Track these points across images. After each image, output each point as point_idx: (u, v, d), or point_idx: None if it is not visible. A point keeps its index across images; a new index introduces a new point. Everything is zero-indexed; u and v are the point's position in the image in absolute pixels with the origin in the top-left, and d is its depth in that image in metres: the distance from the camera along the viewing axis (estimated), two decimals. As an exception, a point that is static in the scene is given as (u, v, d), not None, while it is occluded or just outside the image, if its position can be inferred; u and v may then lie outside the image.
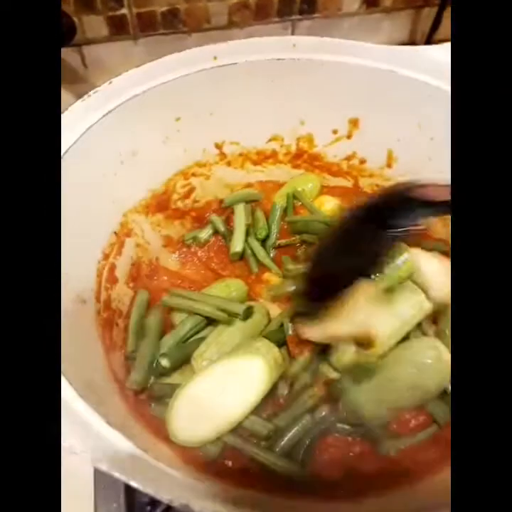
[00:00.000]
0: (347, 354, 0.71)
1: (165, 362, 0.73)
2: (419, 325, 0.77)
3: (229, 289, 0.84)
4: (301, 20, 1.47)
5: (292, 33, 1.49)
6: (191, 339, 0.77)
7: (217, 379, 0.67)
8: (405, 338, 0.75)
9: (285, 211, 0.98)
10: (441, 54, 0.88)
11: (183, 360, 0.75)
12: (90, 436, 0.51)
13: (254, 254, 0.92)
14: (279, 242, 0.95)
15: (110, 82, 0.79)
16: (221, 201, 0.99)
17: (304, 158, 1.01)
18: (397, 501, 0.62)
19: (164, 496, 0.46)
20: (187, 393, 0.66)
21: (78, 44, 1.28)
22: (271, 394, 0.71)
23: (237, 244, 0.91)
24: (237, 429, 0.69)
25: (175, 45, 1.39)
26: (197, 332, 0.78)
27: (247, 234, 0.94)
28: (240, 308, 0.76)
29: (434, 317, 0.80)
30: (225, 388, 0.66)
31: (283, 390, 0.73)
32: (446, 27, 1.51)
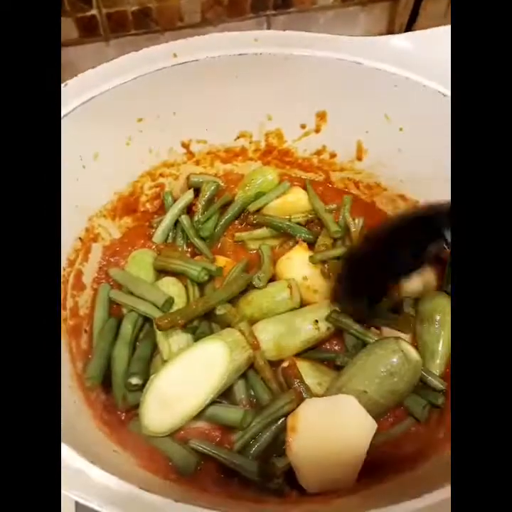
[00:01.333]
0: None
1: (136, 380, 0.72)
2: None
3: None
4: (276, 16, 1.45)
5: (268, 29, 1.47)
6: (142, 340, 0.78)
7: (182, 368, 0.69)
8: (365, 344, 0.74)
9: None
10: (406, 44, 0.86)
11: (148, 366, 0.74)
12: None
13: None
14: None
15: (66, 85, 0.77)
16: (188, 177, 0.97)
17: (274, 154, 0.99)
18: (368, 498, 0.61)
19: None
20: (155, 386, 0.68)
21: (48, 48, 1.27)
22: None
23: (159, 236, 0.92)
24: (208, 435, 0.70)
25: (148, 45, 1.37)
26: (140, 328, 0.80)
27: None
28: (161, 299, 0.76)
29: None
30: (190, 375, 0.68)
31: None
32: (424, 18, 1.48)
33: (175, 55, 0.83)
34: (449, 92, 0.80)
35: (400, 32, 1.54)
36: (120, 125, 0.84)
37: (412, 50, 0.83)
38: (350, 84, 0.87)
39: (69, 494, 0.43)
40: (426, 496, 0.50)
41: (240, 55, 0.85)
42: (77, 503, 0.78)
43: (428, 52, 0.82)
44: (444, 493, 0.50)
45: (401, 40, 0.84)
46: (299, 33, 0.86)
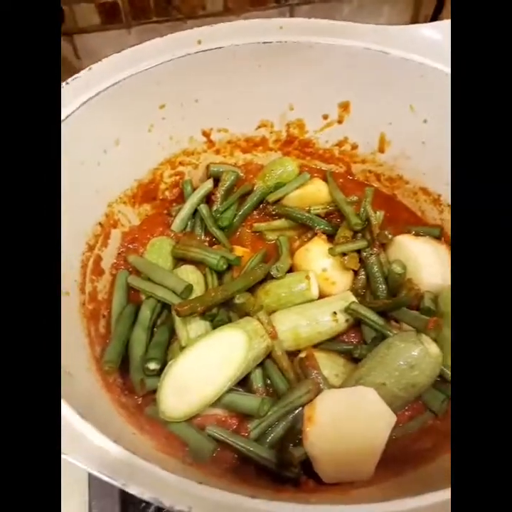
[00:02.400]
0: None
1: (153, 365, 0.73)
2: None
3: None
4: (299, 5, 1.43)
5: (290, 19, 1.46)
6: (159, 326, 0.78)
7: (200, 355, 0.69)
8: (384, 337, 0.73)
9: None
10: (434, 33, 0.84)
11: (165, 352, 0.75)
12: (76, 441, 0.48)
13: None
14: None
15: (90, 69, 0.77)
16: (207, 167, 0.96)
17: (295, 144, 0.98)
18: (386, 490, 0.61)
19: (165, 502, 0.43)
20: (173, 371, 0.68)
21: (70, 33, 1.27)
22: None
23: (178, 224, 0.92)
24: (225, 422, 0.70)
25: (170, 33, 1.36)
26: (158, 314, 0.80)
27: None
28: (181, 285, 0.76)
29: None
30: (208, 362, 0.68)
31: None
32: (450, 10, 1.46)
33: (199, 42, 0.83)
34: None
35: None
36: (143, 111, 0.84)
37: (440, 39, 0.82)
38: (376, 74, 0.85)
39: (93, 471, 0.44)
40: (446, 490, 0.49)
41: (265, 43, 0.84)
42: (90, 486, 0.79)
43: (457, 43, 0.81)
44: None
45: (429, 30, 0.83)
46: (325, 21, 0.85)
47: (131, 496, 0.81)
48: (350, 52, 0.84)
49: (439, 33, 0.84)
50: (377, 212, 0.88)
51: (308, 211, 0.92)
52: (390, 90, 0.86)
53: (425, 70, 0.82)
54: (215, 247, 0.90)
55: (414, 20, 1.53)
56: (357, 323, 0.79)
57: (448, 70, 0.80)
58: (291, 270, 0.85)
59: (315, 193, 0.94)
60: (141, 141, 0.87)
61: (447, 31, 0.83)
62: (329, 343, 0.78)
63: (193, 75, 0.85)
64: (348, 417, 0.62)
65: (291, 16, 1.45)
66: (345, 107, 0.91)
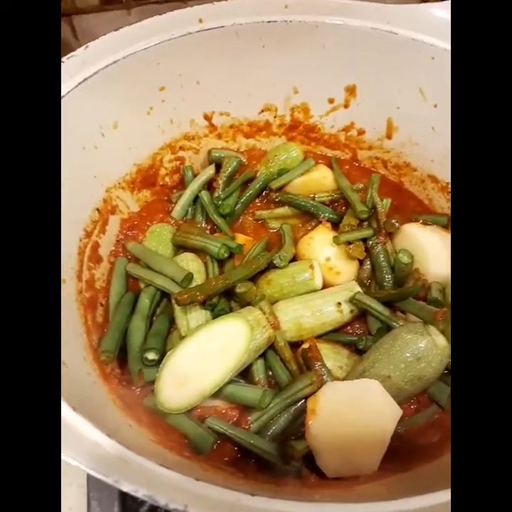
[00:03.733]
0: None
1: (152, 355, 0.71)
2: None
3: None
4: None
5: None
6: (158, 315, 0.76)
7: (200, 345, 0.67)
8: (390, 328, 0.71)
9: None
10: (446, 13, 0.81)
11: (164, 342, 0.73)
12: (68, 436, 0.46)
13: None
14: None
15: (86, 47, 0.74)
16: (209, 152, 0.93)
17: (300, 129, 0.95)
18: (391, 486, 0.59)
19: (160, 500, 0.41)
20: (172, 362, 0.66)
21: (68, 14, 1.23)
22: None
23: (178, 211, 0.90)
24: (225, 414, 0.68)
25: (170, 14, 1.33)
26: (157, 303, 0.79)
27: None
28: (181, 274, 0.74)
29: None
30: (208, 352, 0.66)
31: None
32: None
33: (200, 21, 0.79)
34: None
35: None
36: (142, 93, 0.81)
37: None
38: (384, 55, 0.82)
39: (84, 468, 0.41)
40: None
41: (269, 22, 0.81)
42: (88, 476, 0.78)
43: (470, 23, 0.77)
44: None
45: (441, 9, 0.79)
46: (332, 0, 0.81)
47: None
48: (358, 32, 0.81)
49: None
50: (384, 200, 0.86)
51: (313, 199, 0.89)
52: (398, 73, 0.83)
53: (436, 51, 0.79)
54: (216, 234, 0.87)
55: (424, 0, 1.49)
56: (362, 314, 0.77)
57: (460, 51, 0.77)
58: (294, 259, 0.83)
59: (320, 180, 0.91)
60: (141, 124, 0.84)
61: (460, 11, 0.79)
62: (333, 334, 0.76)
63: (193, 56, 0.81)
64: (352, 410, 0.61)
65: (296, -3, 1.41)
66: (351, 90, 0.88)
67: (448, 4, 0.81)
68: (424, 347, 0.64)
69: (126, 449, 0.43)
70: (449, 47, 0.78)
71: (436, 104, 0.83)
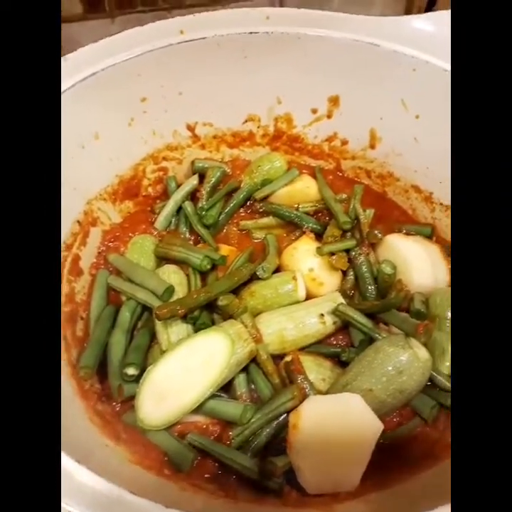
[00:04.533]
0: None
1: (132, 370, 0.70)
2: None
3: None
4: (289, -5, 1.39)
5: (280, 9, 1.42)
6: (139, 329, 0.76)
7: (181, 359, 0.66)
8: (372, 340, 0.71)
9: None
10: (427, 25, 0.81)
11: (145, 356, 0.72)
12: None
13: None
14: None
15: (65, 59, 0.73)
16: (192, 162, 0.93)
17: (283, 139, 0.95)
18: (372, 504, 0.58)
19: None
20: (152, 377, 0.65)
21: (51, 23, 1.22)
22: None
23: (161, 222, 0.89)
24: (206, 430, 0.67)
25: (154, 24, 1.32)
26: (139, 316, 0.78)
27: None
28: (161, 287, 0.74)
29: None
30: (189, 367, 0.65)
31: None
32: (443, 1, 1.42)
33: (182, 32, 0.79)
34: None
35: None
36: (123, 104, 0.81)
37: (433, 32, 0.79)
38: (366, 67, 0.82)
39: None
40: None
41: (251, 33, 0.81)
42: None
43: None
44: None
45: (422, 21, 0.80)
46: (314, 11, 0.82)
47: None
48: (340, 44, 0.81)
49: (432, 25, 0.81)
50: (367, 211, 0.86)
51: (297, 209, 0.89)
52: (381, 84, 0.83)
53: (418, 63, 0.79)
54: (200, 245, 0.87)
55: (408, 11, 1.50)
56: (345, 326, 0.76)
57: (441, 63, 0.77)
58: (278, 270, 0.82)
59: (303, 191, 0.91)
60: (122, 135, 0.83)
61: (441, 23, 0.80)
62: (316, 346, 0.76)
63: (175, 67, 0.81)
64: (334, 426, 0.60)
65: (281, 5, 1.41)
66: (334, 101, 0.88)
67: (430, 16, 0.82)
68: (406, 360, 0.64)
69: (97, 477, 0.41)
70: (431, 59, 0.79)
71: (418, 115, 0.83)
